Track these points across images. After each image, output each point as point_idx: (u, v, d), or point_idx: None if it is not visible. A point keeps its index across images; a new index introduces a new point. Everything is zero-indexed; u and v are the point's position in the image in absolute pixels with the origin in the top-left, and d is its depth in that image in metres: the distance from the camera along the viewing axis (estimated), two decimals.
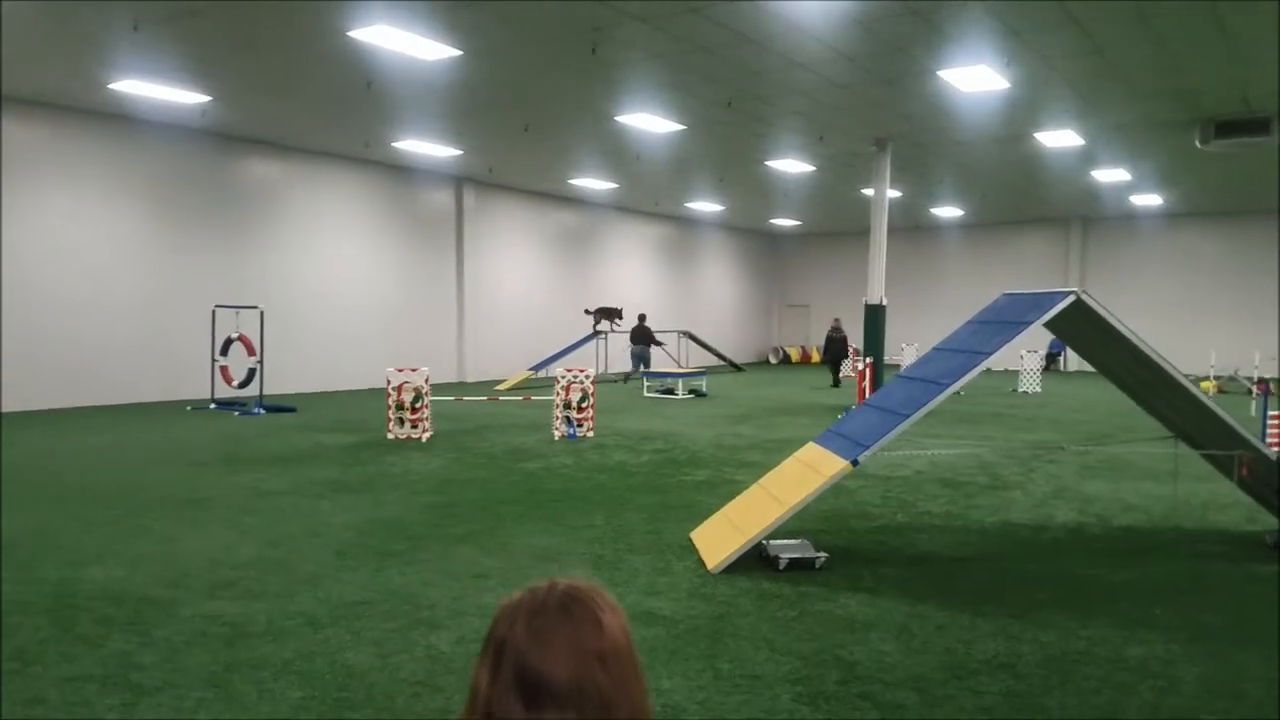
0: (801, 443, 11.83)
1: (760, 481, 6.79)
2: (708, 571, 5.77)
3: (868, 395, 14.95)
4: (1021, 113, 14.52)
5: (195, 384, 16.44)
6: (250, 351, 14.96)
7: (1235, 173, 20.21)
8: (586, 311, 24.03)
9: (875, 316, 16.20)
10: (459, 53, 11.65)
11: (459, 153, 18.65)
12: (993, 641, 4.66)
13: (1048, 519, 7.56)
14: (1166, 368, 6.06)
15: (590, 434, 12.17)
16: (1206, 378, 21.18)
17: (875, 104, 14.10)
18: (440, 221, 21.94)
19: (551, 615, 1.22)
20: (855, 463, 5.83)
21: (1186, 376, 6.16)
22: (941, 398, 5.86)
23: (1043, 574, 5.90)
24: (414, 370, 12.00)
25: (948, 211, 28.01)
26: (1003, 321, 6.34)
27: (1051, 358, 28.73)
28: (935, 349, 6.84)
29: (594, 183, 22.49)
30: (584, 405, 12.13)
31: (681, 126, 15.70)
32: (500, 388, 20.17)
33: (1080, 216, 29.13)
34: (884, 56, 11.65)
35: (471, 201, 22.39)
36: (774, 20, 10.28)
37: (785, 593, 5.39)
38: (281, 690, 3.96)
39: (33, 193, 14.64)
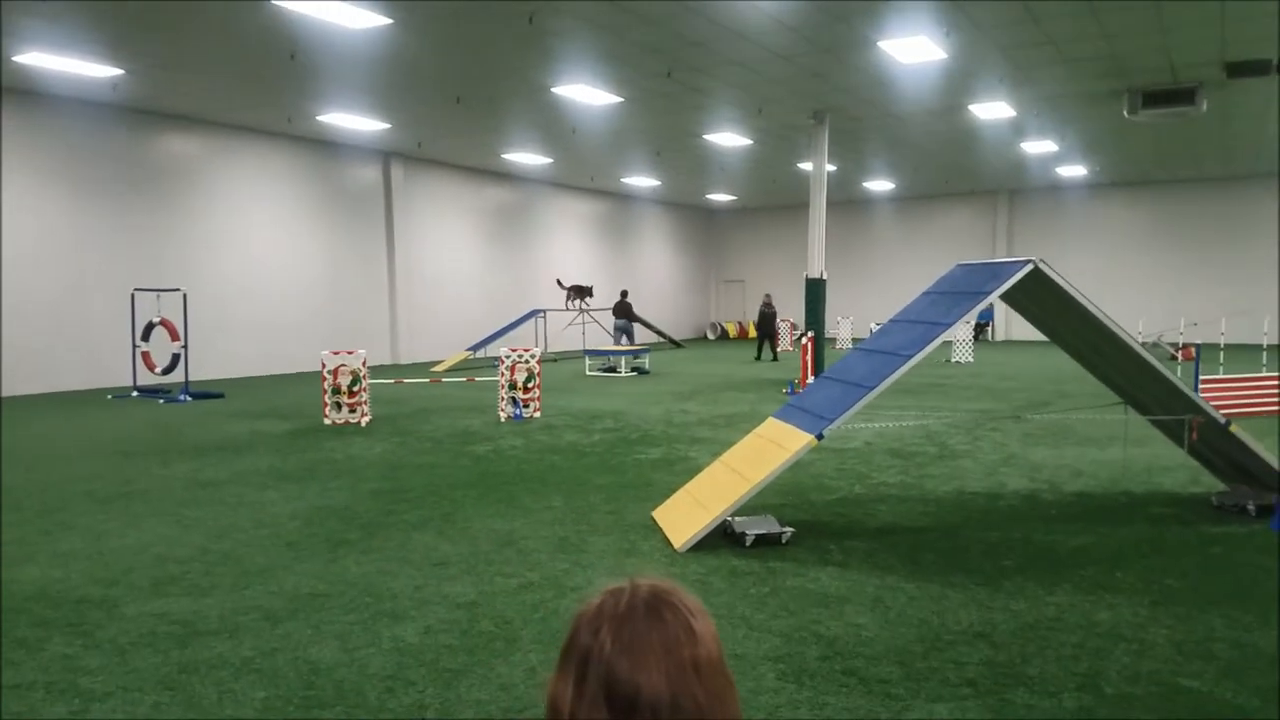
0: (750, 418, 11.91)
1: (722, 458, 6.71)
2: (675, 551, 5.67)
3: (810, 369, 15.03)
4: (957, 83, 14.65)
5: (115, 371, 15.77)
6: (174, 336, 14.35)
7: (1161, 142, 20.76)
8: (559, 284, 24.16)
9: (816, 290, 16.25)
10: (389, 21, 11.26)
11: (387, 127, 18.12)
12: (965, 611, 4.65)
13: (1000, 487, 7.65)
14: (1121, 334, 6.12)
15: (537, 415, 11.97)
16: None
17: (815, 75, 14.07)
18: (368, 198, 21.34)
19: (640, 622, 1.08)
20: (820, 436, 5.77)
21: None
22: (905, 369, 5.83)
23: (1004, 542, 5.94)
24: (350, 353, 11.64)
25: (880, 185, 28.33)
26: (960, 292, 6.34)
27: (980, 327, 29.36)
28: (892, 321, 6.81)
29: (528, 157, 22.11)
30: (530, 385, 11.92)
31: (619, 99, 15.47)
32: (438, 369, 19.79)
33: (1008, 189, 29.73)
34: (826, 26, 11.60)
35: (401, 177, 21.84)
36: None
37: (755, 569, 5.32)
38: (244, 690, 3.74)
39: None
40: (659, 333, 28.01)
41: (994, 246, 30.13)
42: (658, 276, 32.55)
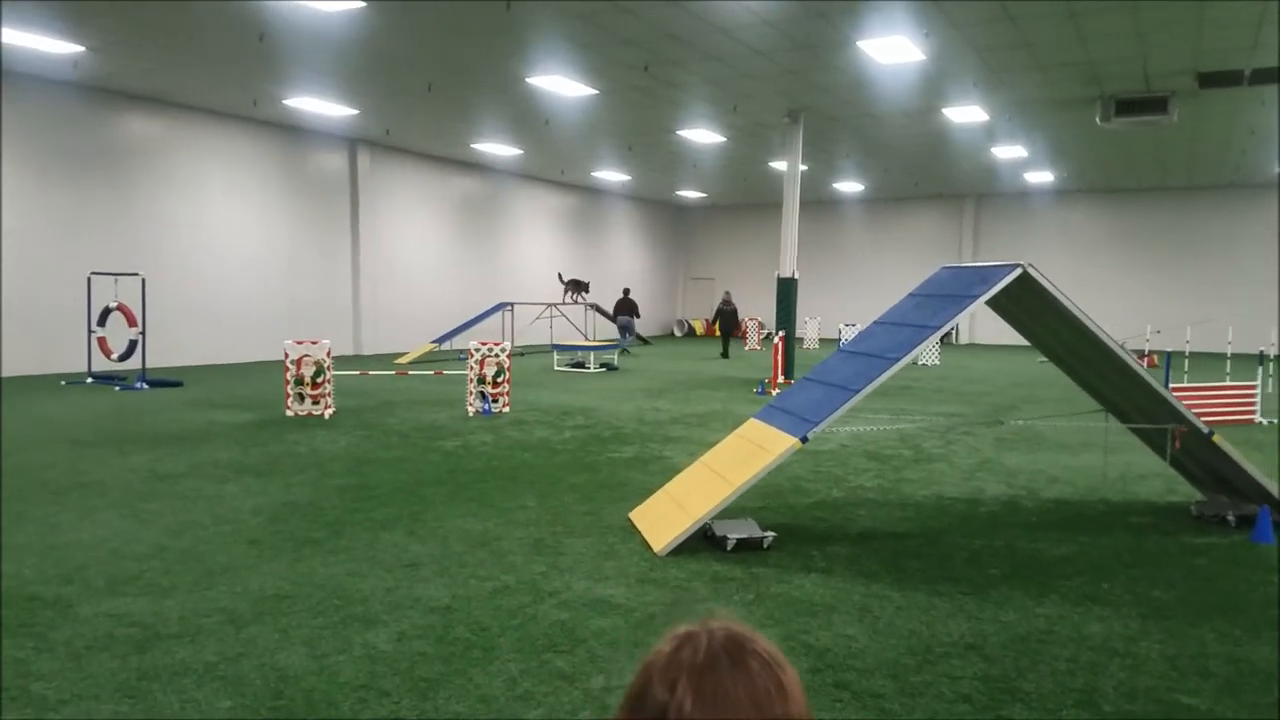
0: (722, 417, 11.79)
1: (703, 459, 6.56)
2: (654, 554, 5.52)
3: (780, 369, 14.96)
4: (933, 86, 14.64)
5: (69, 357, 15.29)
6: (131, 322, 13.93)
7: (1128, 151, 20.98)
8: (560, 278, 25.09)
9: (787, 290, 16.17)
10: (362, 4, 10.97)
11: (354, 113, 17.75)
12: (955, 622, 4.55)
13: (979, 492, 7.59)
14: (1108, 341, 6.07)
15: (506, 410, 11.76)
16: None
17: (792, 73, 13.97)
18: (333, 186, 20.92)
19: (724, 674, 0.92)
20: (805, 439, 5.65)
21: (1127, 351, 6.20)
22: (892, 371, 5.73)
23: (987, 549, 5.86)
24: (314, 343, 11.34)
25: (850, 186, 28.37)
26: (947, 295, 6.25)
27: (945, 331, 29.53)
28: (876, 323, 6.71)
29: (499, 148, 21.81)
30: (500, 380, 11.70)
31: (595, 91, 15.27)
32: (403, 361, 19.47)
33: (975, 193, 29.93)
34: (806, 22, 11.49)
35: (367, 165, 21.45)
36: None
37: (738, 575, 5.18)
38: (207, 699, 3.53)
39: None
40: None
41: (960, 251, 30.33)
42: (626, 272, 32.33)
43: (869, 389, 5.70)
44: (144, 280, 14.25)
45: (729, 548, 5.59)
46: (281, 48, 12.99)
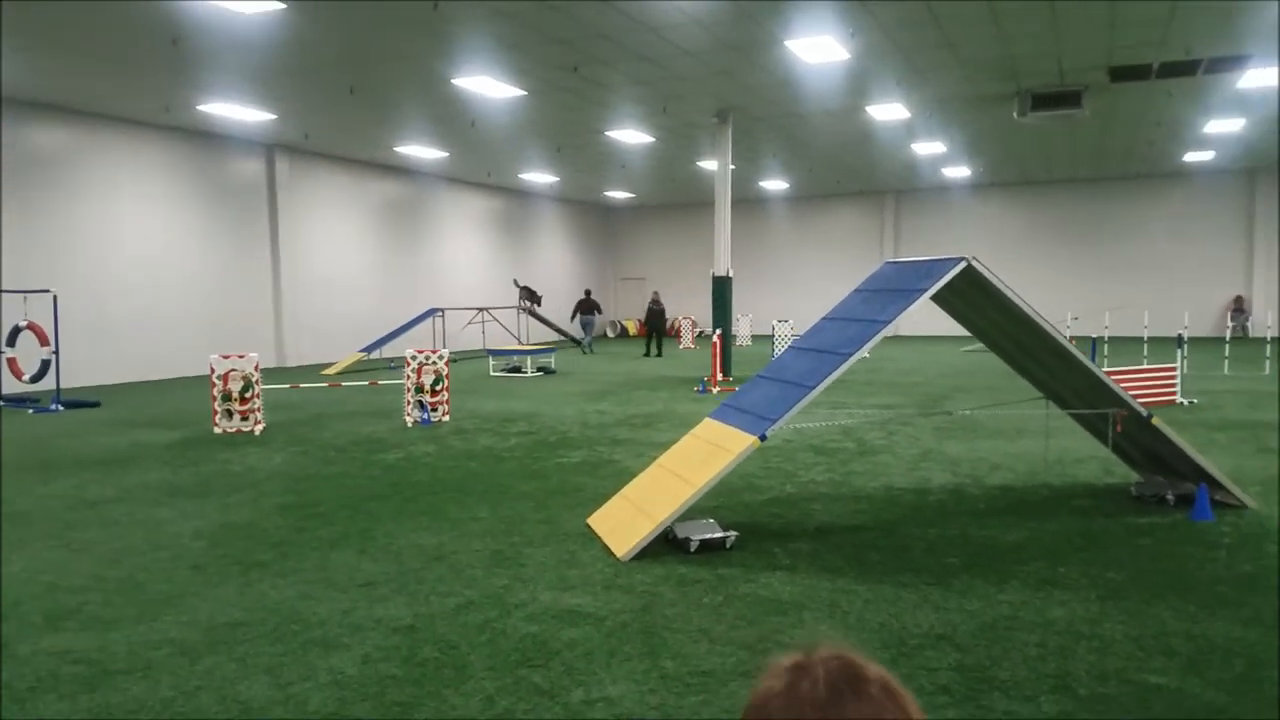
0: (667, 417, 11.77)
1: (660, 461, 6.51)
2: (617, 560, 5.44)
3: (719, 367, 15.01)
4: (858, 84, 14.85)
5: None
6: (43, 341, 13.29)
7: (1041, 144, 21.61)
8: (516, 284, 25.87)
9: (723, 288, 16.24)
10: (282, 6, 10.64)
11: (272, 117, 17.24)
12: (922, 613, 4.59)
13: (926, 482, 7.70)
14: (1050, 330, 6.20)
15: (446, 419, 11.54)
16: None
17: (721, 73, 14.03)
18: (251, 193, 20.30)
19: (849, 707, 0.86)
20: (763, 438, 5.64)
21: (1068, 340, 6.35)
22: (846, 366, 5.75)
23: (943, 539, 5.93)
24: (241, 356, 10.97)
25: (775, 184, 28.67)
26: (894, 289, 6.31)
27: None
28: (825, 319, 6.75)
29: (424, 151, 21.43)
30: (438, 388, 11.47)
31: (522, 92, 15.11)
32: (330, 371, 19.00)
33: (895, 189, 30.52)
34: (735, 23, 11.54)
35: (286, 170, 20.87)
36: None
37: (704, 577, 5.14)
38: None
39: None
40: (559, 330, 27.65)
41: (882, 246, 30.91)
42: (556, 274, 32.14)
43: (824, 384, 5.72)
44: (55, 297, 13.63)
45: (692, 549, 5.55)
46: (196, 52, 12.54)
